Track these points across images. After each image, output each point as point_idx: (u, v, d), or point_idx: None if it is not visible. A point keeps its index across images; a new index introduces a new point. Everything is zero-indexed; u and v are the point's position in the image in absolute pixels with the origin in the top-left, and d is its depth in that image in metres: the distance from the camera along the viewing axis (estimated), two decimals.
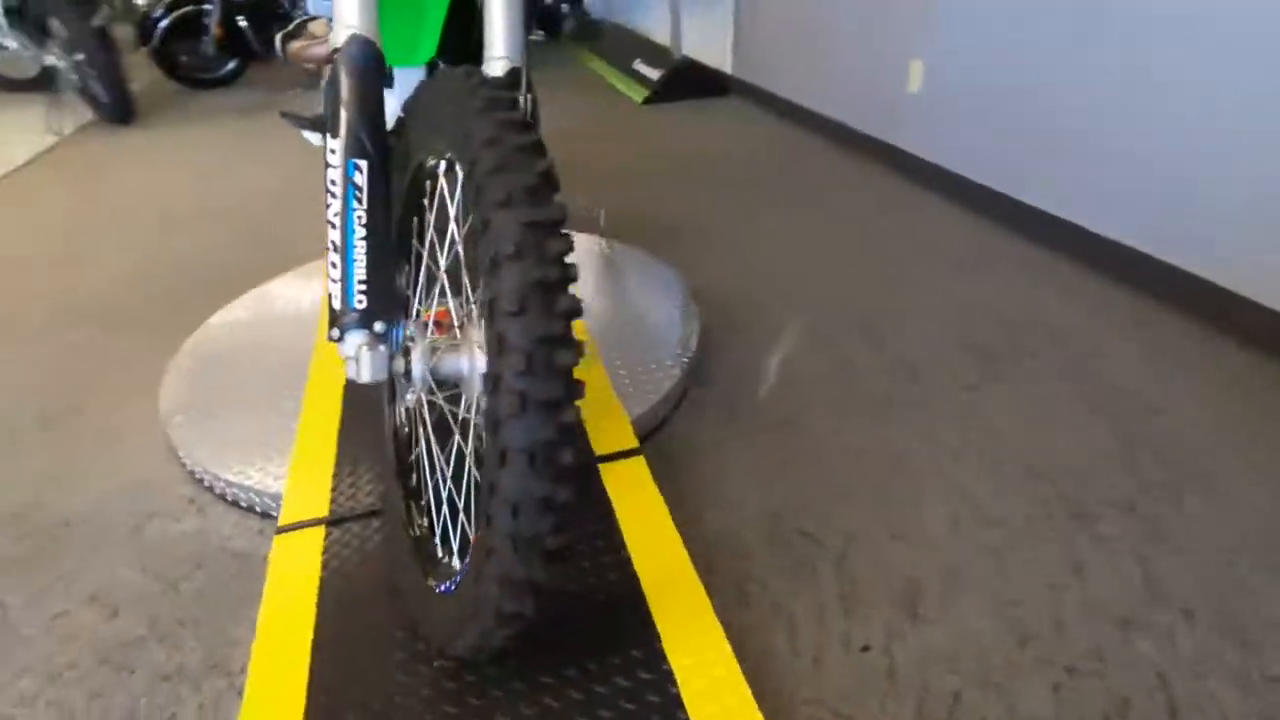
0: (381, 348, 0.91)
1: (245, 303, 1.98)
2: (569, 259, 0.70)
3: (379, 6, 1.09)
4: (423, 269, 1.00)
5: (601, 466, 1.30)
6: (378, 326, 0.91)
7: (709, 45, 4.27)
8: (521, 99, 1.04)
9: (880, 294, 2.02)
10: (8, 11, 3.90)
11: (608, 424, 1.40)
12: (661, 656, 0.96)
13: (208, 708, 1.01)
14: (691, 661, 0.95)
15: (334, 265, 0.91)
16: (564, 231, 0.70)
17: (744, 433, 1.50)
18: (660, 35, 4.53)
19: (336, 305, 0.91)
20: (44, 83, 4.17)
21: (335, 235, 0.90)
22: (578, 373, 0.69)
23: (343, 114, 0.89)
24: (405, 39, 1.21)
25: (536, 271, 0.66)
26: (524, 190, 0.68)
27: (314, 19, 1.30)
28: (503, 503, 0.66)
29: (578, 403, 0.69)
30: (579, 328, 0.72)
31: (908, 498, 1.33)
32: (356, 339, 0.90)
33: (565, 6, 6.30)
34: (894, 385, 1.63)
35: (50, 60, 4.00)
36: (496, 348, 0.66)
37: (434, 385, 0.90)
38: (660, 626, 1.00)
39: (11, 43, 4.06)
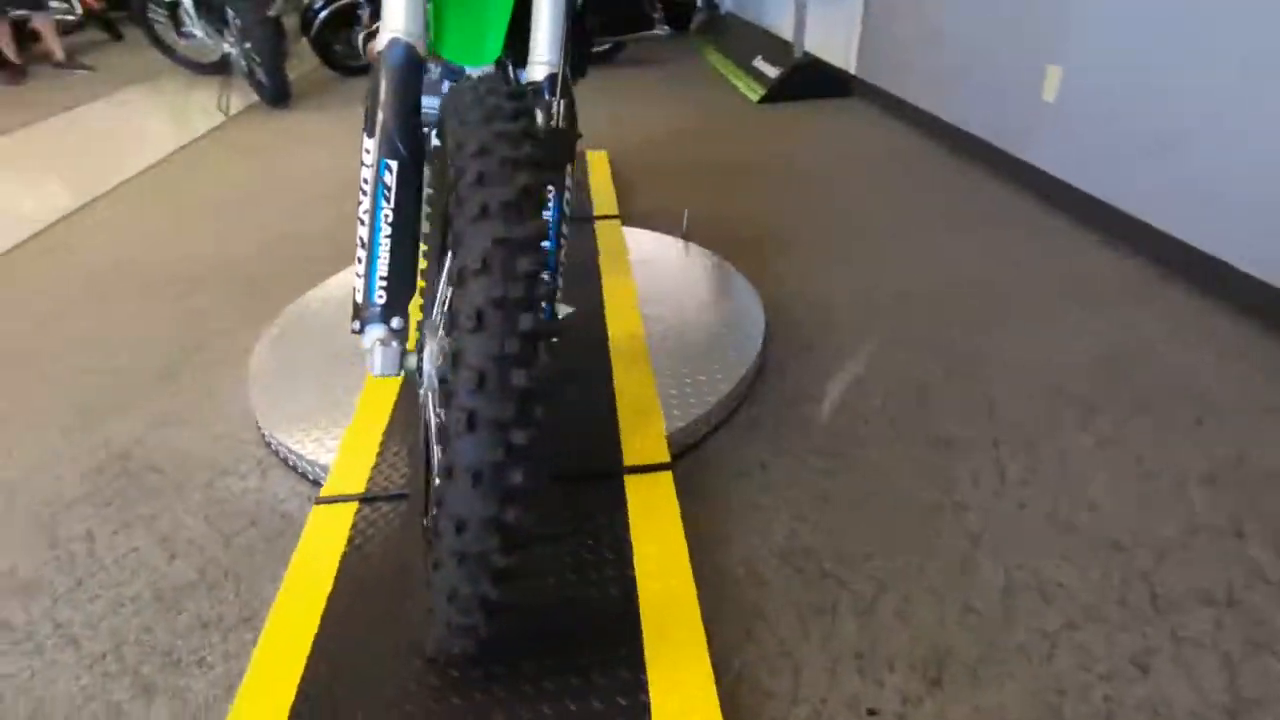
0: (395, 343, 0.94)
1: (341, 279, 2.12)
2: (543, 274, 0.68)
3: (447, 7, 1.12)
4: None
5: (627, 478, 1.28)
6: (395, 322, 0.94)
7: (834, 43, 4.09)
8: (554, 105, 1.03)
9: (978, 323, 1.85)
10: (197, 4, 4.41)
11: (642, 434, 1.37)
12: (643, 687, 0.93)
13: (231, 658, 1.09)
14: (674, 699, 0.92)
15: (359, 260, 0.95)
16: (538, 248, 0.68)
17: (792, 458, 1.43)
18: (788, 32, 4.38)
19: (358, 299, 0.94)
20: (222, 67, 4.68)
21: (363, 231, 0.94)
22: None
23: (379, 115, 0.92)
24: (471, 38, 1.24)
25: (499, 289, 0.65)
26: (500, 205, 0.67)
27: None
28: (448, 518, 0.66)
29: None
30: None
31: (958, 553, 1.21)
32: (375, 333, 0.94)
33: (699, 1, 6.26)
34: (969, 425, 1.49)
35: (226, 47, 4.49)
36: (453, 362, 0.66)
37: (437, 384, 0.92)
38: (649, 655, 0.97)
39: (198, 32, 4.59)
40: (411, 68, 0.93)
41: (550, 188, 1.00)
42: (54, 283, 2.39)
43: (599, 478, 1.28)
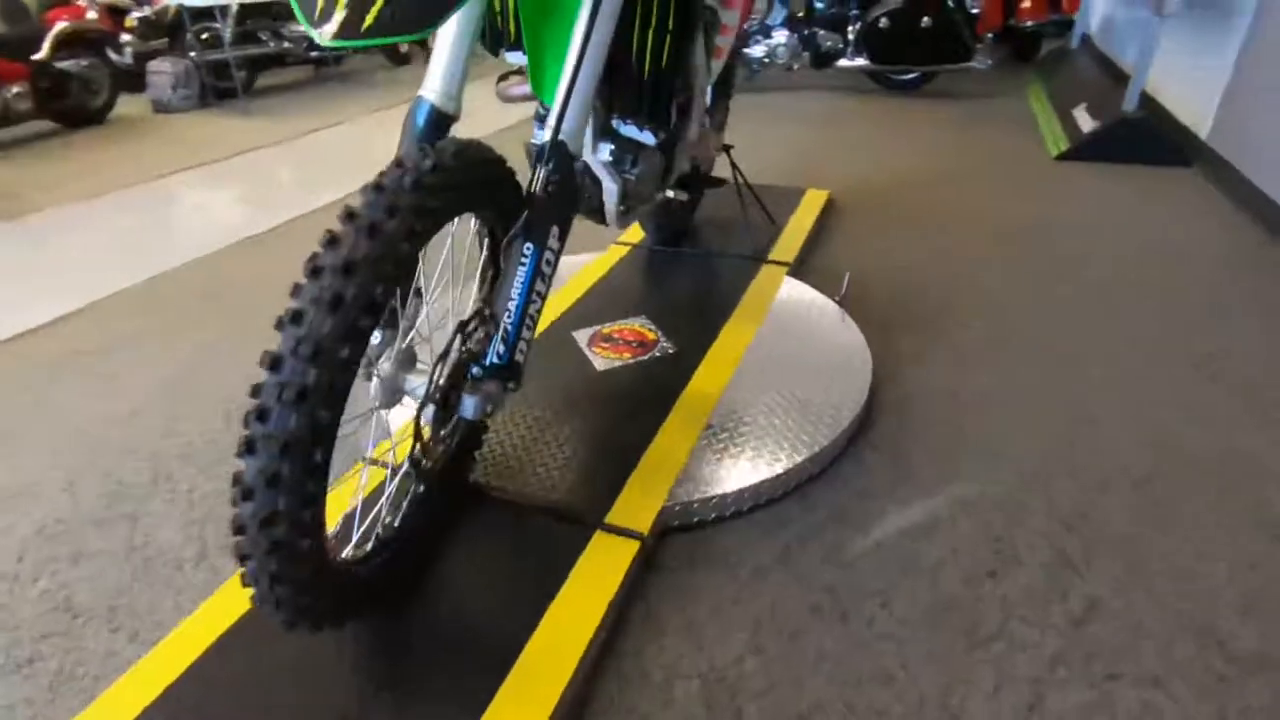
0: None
1: None
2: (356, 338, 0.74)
3: (542, 53, 1.21)
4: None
5: (599, 533, 1.27)
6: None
7: (1190, 97, 3.26)
8: (538, 171, 1.05)
9: (1159, 514, 1.41)
10: None
11: (641, 495, 1.35)
12: (480, 710, 0.96)
13: None
14: None
15: None
16: (354, 308, 0.74)
17: (792, 577, 1.27)
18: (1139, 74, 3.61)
19: None
20: None
21: None
22: None
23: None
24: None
25: (292, 341, 0.73)
26: (332, 267, 0.74)
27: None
28: (232, 520, 0.77)
29: None
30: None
31: None
32: None
33: (1081, 37, 5.44)
34: (1033, 626, 1.17)
35: None
36: (251, 392, 0.76)
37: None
38: (503, 690, 1.00)
39: None
40: (431, 123, 1.04)
41: (528, 246, 1.03)
42: None
43: (573, 522, 1.30)
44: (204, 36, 5.39)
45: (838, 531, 1.37)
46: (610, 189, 1.46)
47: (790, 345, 1.84)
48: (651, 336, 1.89)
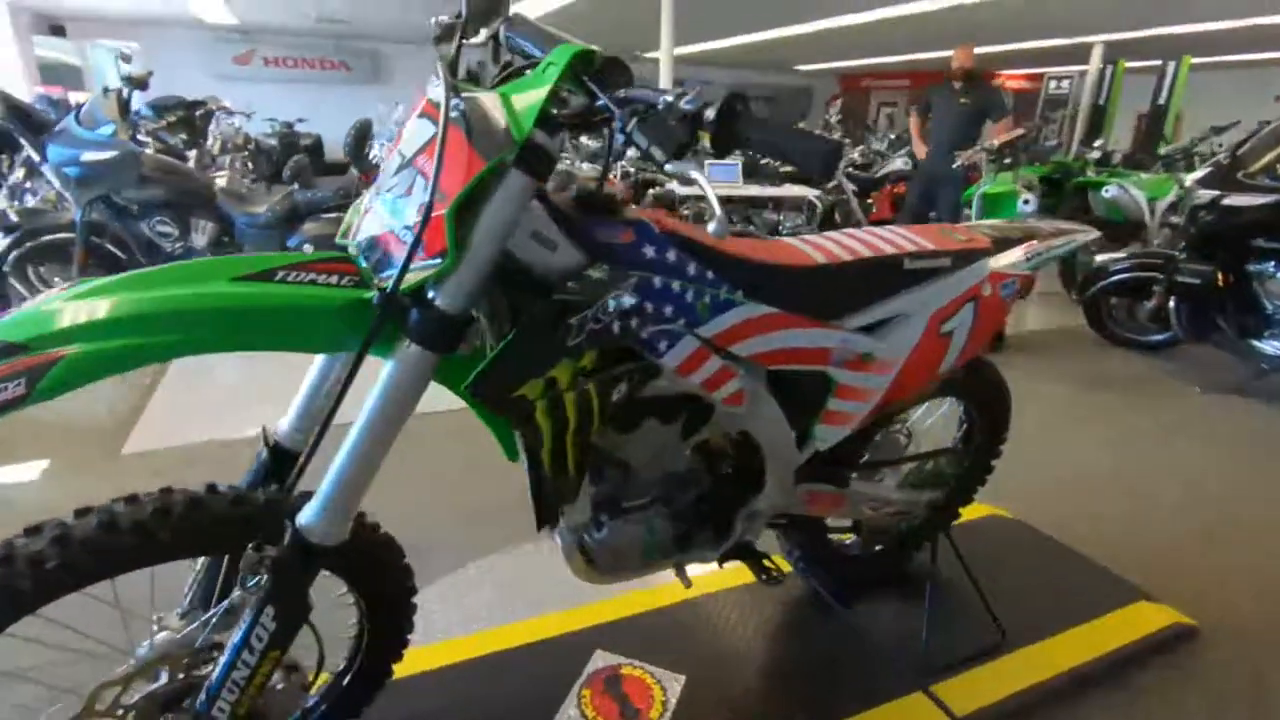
0: None
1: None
2: None
3: None
4: None
5: None
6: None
7: None
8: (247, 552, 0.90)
9: None
10: None
11: None
12: None
13: None
14: None
15: None
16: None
17: None
18: None
19: None
20: None
21: None
22: None
23: None
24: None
25: None
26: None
27: None
28: None
29: None
30: None
31: None
32: None
33: None
34: None
35: None
36: None
37: None
38: None
39: None
40: (267, 460, 1.04)
41: (247, 614, 0.91)
42: None
43: None
44: None
45: None
46: (557, 546, 1.21)
47: None
48: (654, 716, 1.46)
